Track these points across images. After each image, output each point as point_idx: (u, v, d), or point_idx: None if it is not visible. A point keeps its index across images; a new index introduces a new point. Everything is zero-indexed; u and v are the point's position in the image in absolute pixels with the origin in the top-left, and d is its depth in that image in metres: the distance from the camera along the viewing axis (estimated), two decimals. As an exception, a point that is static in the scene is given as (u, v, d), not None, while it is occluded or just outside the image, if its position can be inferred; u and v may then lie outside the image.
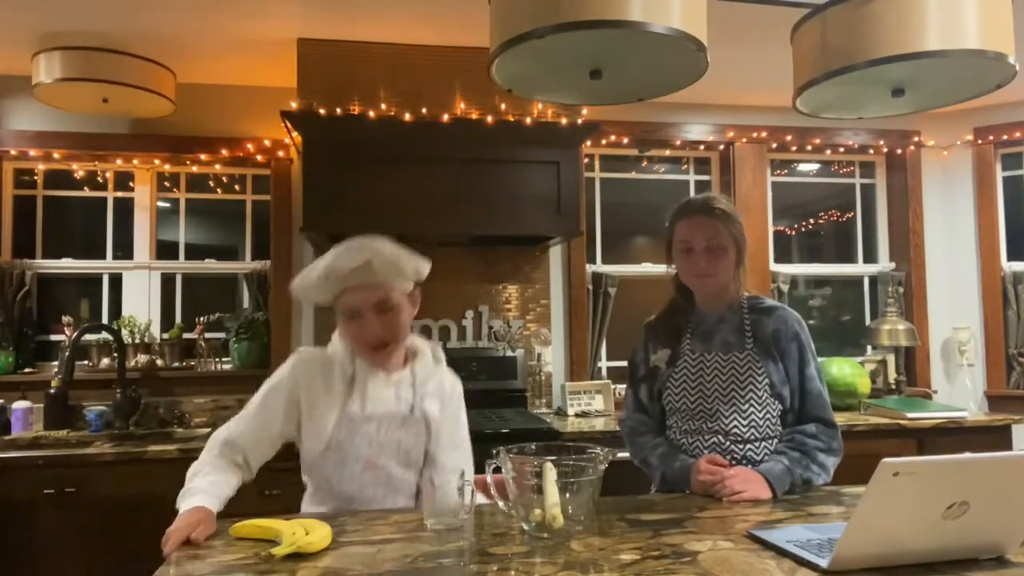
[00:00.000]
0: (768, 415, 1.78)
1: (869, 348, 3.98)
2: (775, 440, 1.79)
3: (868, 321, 4.09)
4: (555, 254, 3.67)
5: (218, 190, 3.68)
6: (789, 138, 3.92)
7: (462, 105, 3.22)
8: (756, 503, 1.62)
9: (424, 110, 3.13)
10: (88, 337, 3.34)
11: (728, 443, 1.76)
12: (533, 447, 1.51)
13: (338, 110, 3.09)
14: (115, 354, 3.23)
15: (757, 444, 1.77)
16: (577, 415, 3.33)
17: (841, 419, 3.16)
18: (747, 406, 1.77)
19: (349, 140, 3.04)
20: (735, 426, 1.76)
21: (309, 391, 1.73)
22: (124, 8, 2.76)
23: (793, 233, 4.21)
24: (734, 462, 1.74)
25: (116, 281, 3.56)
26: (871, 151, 4.10)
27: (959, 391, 3.93)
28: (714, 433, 1.78)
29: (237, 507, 1.70)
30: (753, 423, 1.77)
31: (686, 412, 1.83)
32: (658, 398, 1.90)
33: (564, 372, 3.64)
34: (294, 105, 3.11)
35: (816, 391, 1.80)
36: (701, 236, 1.83)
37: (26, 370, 3.34)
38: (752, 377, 1.77)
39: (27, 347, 3.39)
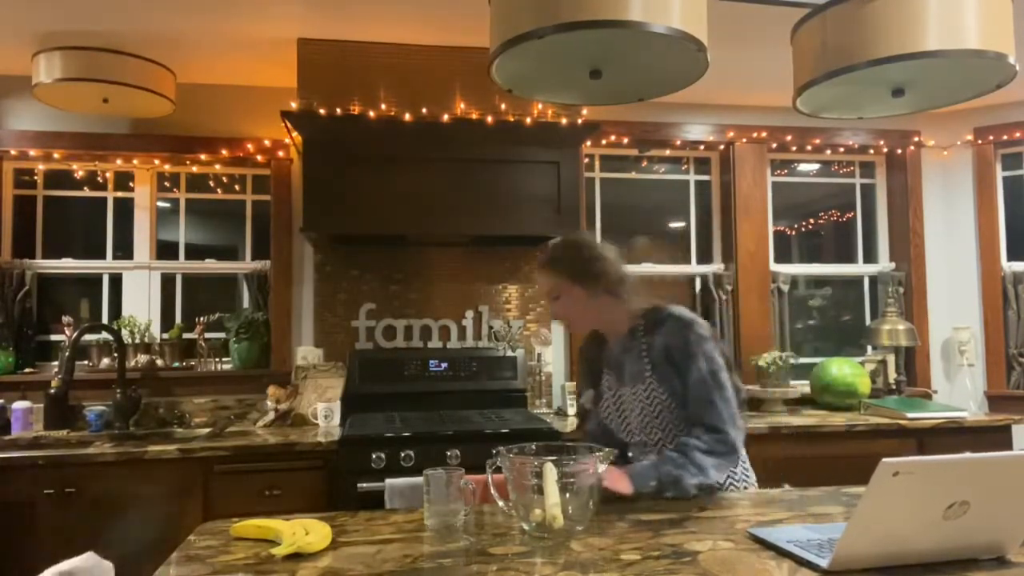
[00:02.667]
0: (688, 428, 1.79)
1: (869, 348, 3.98)
2: None
3: (868, 321, 4.09)
4: (555, 254, 3.66)
5: (218, 190, 3.68)
6: (789, 138, 3.92)
7: (462, 105, 3.22)
8: (756, 503, 1.62)
9: (424, 110, 3.13)
10: (88, 337, 3.34)
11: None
12: (533, 447, 1.51)
13: (338, 110, 3.09)
14: (115, 354, 3.23)
15: None
16: (577, 415, 3.33)
17: (841, 419, 3.19)
18: (667, 427, 1.79)
19: (349, 140, 3.04)
20: (663, 444, 1.80)
21: None
22: (124, 8, 2.76)
23: (793, 233, 4.21)
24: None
25: (116, 281, 3.56)
26: (871, 151, 4.10)
27: (959, 391, 3.93)
28: (652, 451, 1.82)
29: (237, 507, 1.70)
30: (676, 437, 1.78)
31: (619, 446, 1.84)
32: (605, 430, 1.93)
33: (564, 372, 3.63)
34: (294, 105, 3.11)
35: (697, 397, 1.74)
36: (543, 289, 1.89)
37: (26, 370, 3.34)
38: (660, 404, 1.79)
39: (27, 347, 3.39)
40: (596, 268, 1.82)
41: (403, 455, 2.67)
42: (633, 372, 1.82)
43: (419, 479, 1.53)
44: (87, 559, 1.54)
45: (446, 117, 3.09)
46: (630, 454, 1.87)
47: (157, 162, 3.54)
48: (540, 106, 3.24)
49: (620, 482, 1.63)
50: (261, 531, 1.39)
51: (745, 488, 1.85)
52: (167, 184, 3.64)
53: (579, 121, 3.20)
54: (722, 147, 3.96)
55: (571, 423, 3.15)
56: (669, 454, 1.72)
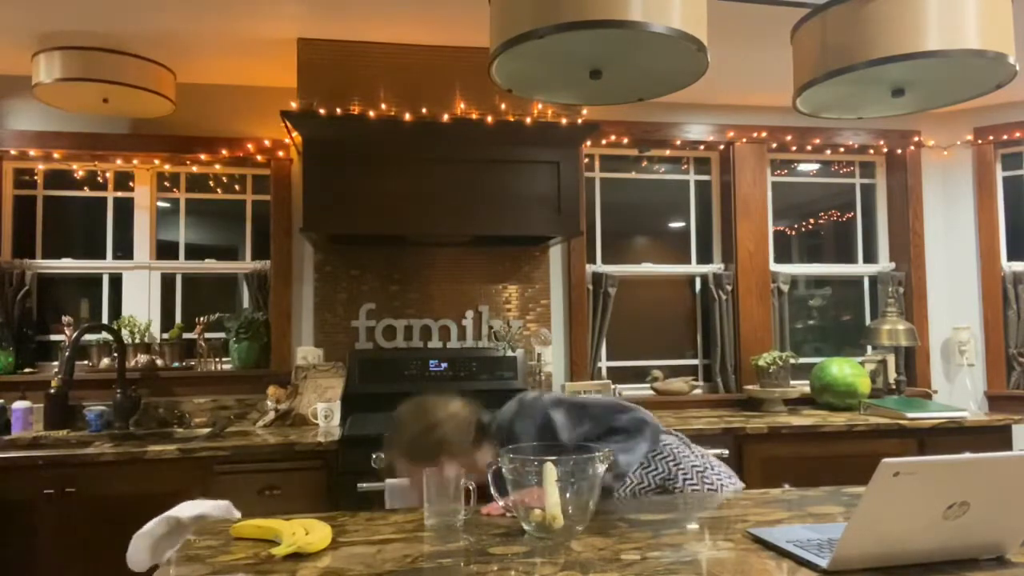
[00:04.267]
0: None
1: (869, 348, 3.98)
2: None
3: (868, 321, 4.09)
4: (555, 254, 3.67)
5: (218, 190, 3.68)
6: (789, 138, 3.92)
7: (462, 105, 3.22)
8: (756, 503, 1.62)
9: (424, 110, 3.13)
10: (88, 337, 3.34)
11: None
12: (533, 447, 1.51)
13: (338, 110, 3.09)
14: (115, 354, 3.23)
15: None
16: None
17: (841, 419, 3.20)
18: None
19: (349, 140, 3.04)
20: None
21: None
22: (124, 8, 2.76)
23: (793, 233, 4.21)
24: None
25: (116, 281, 3.56)
26: (871, 151, 4.10)
27: (959, 391, 3.93)
28: None
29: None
30: None
31: None
32: None
33: (564, 372, 3.64)
34: (294, 105, 3.11)
35: (576, 438, 1.74)
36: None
37: (26, 370, 3.34)
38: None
39: (27, 347, 3.39)
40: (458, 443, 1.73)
41: (403, 455, 2.66)
42: None
43: (419, 479, 1.53)
44: (220, 506, 1.59)
45: (446, 117, 3.09)
46: None
47: (157, 162, 3.54)
48: (540, 106, 3.24)
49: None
50: (261, 531, 1.39)
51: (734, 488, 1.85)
52: (167, 184, 3.64)
53: (579, 121, 3.20)
54: (722, 147, 3.96)
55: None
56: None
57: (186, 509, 1.61)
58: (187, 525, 1.56)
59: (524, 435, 1.73)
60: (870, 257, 4.18)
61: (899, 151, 4.05)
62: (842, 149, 4.04)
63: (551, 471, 1.35)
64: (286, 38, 3.10)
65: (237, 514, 1.66)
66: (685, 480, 1.82)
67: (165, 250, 3.62)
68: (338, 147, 3.01)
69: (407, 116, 3.06)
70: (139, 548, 1.56)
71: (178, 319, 3.58)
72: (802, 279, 4.13)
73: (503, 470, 1.41)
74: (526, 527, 1.37)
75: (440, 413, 1.72)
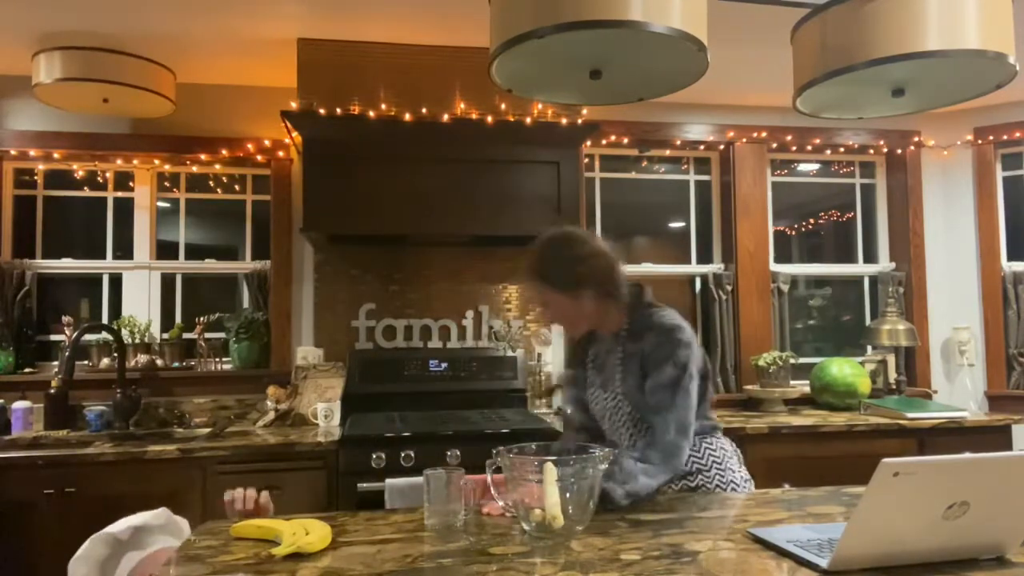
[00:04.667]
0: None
1: (869, 348, 3.98)
2: None
3: (868, 321, 4.09)
4: (555, 254, 3.66)
5: (218, 190, 3.68)
6: (789, 138, 3.92)
7: (462, 105, 3.22)
8: (757, 503, 1.62)
9: (424, 110, 3.12)
10: (88, 337, 3.34)
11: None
12: (533, 447, 1.51)
13: (338, 110, 3.09)
14: (115, 354, 3.23)
15: None
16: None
17: (841, 419, 3.19)
18: (632, 436, 1.79)
19: (349, 140, 3.04)
20: (637, 447, 1.77)
21: None
22: (124, 8, 2.76)
23: (793, 233, 4.21)
24: None
25: (116, 281, 3.56)
26: (871, 151, 4.10)
27: (959, 391, 3.93)
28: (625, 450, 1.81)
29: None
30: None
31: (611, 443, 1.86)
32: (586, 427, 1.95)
33: (564, 372, 3.64)
34: (294, 105, 3.10)
35: (654, 402, 1.69)
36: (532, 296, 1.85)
37: (26, 370, 3.34)
38: (624, 416, 1.79)
39: (27, 347, 3.39)
40: (579, 271, 1.71)
41: (403, 455, 2.67)
42: (606, 378, 1.83)
43: (419, 479, 1.53)
44: (159, 515, 1.55)
45: (446, 117, 3.09)
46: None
47: (157, 162, 3.54)
48: (540, 106, 3.23)
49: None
50: (261, 531, 1.39)
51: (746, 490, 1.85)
52: (167, 184, 3.64)
53: (579, 121, 3.20)
54: (722, 147, 3.96)
55: (571, 423, 3.15)
56: (610, 468, 1.70)
57: (121, 524, 1.58)
58: (126, 541, 1.52)
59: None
60: (870, 257, 4.18)
61: (899, 151, 4.05)
62: (842, 149, 4.04)
63: (551, 471, 1.35)
64: (286, 38, 3.10)
65: (179, 520, 1.63)
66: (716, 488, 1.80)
67: (165, 250, 3.62)
68: (338, 147, 3.01)
69: (407, 116, 3.06)
70: (78, 574, 1.52)
71: (178, 319, 3.58)
72: (802, 279, 4.13)
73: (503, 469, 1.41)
74: (526, 527, 1.37)
75: (590, 247, 1.76)
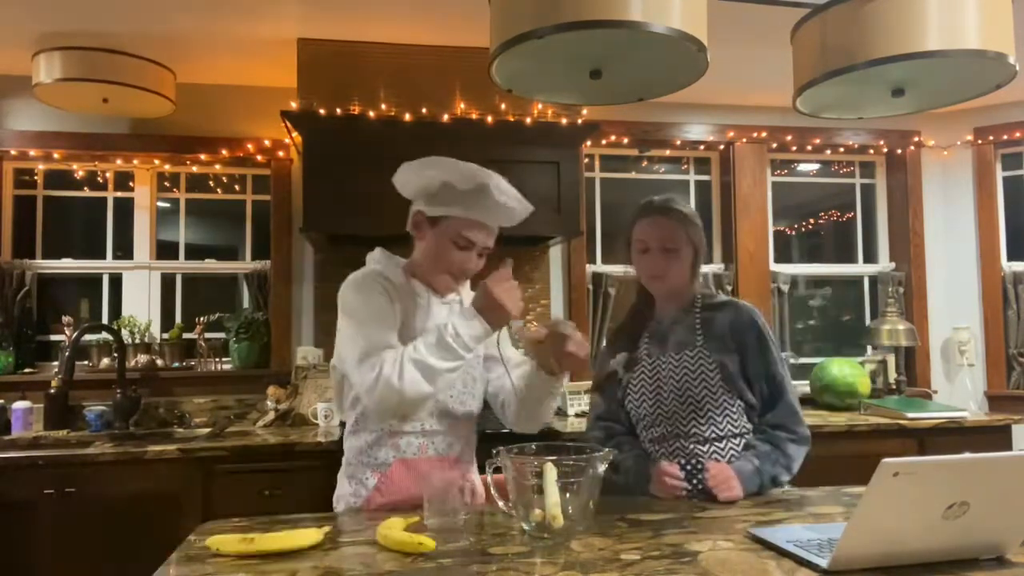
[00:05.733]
0: (727, 412, 1.76)
1: (869, 348, 3.98)
2: (740, 438, 1.76)
3: (868, 321, 4.09)
4: (555, 254, 3.67)
5: (218, 190, 3.68)
6: (789, 138, 3.92)
7: (462, 105, 3.22)
8: (756, 503, 1.62)
9: (424, 110, 3.12)
10: (88, 337, 3.34)
11: (692, 446, 1.75)
12: (533, 447, 1.51)
13: (338, 110, 3.09)
14: (115, 354, 3.23)
15: (721, 443, 1.75)
16: (577, 415, 3.32)
17: (841, 419, 3.19)
18: (704, 404, 1.75)
19: (349, 140, 3.04)
20: (695, 428, 1.75)
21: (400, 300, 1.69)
22: (124, 8, 2.76)
23: (793, 233, 4.21)
24: (700, 464, 1.72)
25: (116, 281, 3.56)
26: (871, 151, 4.10)
27: (959, 391, 3.93)
28: (677, 438, 1.76)
29: (237, 507, 1.70)
30: (712, 422, 1.75)
31: (648, 419, 1.81)
32: (622, 405, 1.89)
33: (564, 372, 3.63)
34: (294, 105, 3.10)
35: (780, 378, 1.78)
36: (656, 237, 1.81)
37: (26, 370, 3.34)
38: (704, 374, 1.76)
39: (27, 347, 3.39)
40: (703, 240, 1.86)
41: (403, 455, 2.66)
42: (680, 341, 1.80)
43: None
44: None
45: (446, 117, 3.09)
46: (645, 443, 1.83)
47: (157, 162, 3.54)
48: (540, 106, 3.23)
49: (732, 488, 1.64)
50: (245, 543, 1.30)
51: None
52: (167, 184, 3.64)
53: (579, 121, 3.20)
54: (722, 147, 3.96)
55: (571, 423, 3.15)
56: (762, 448, 1.72)
57: None
58: None
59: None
60: (870, 257, 4.18)
61: (899, 151, 4.05)
62: (842, 149, 4.04)
63: (551, 471, 1.35)
64: (286, 38, 3.10)
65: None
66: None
67: (165, 250, 3.62)
68: (338, 147, 3.01)
69: (407, 116, 3.06)
70: None
71: (178, 319, 3.58)
72: (802, 279, 4.13)
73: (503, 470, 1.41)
74: (526, 527, 1.37)
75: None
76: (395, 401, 1.50)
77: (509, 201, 1.66)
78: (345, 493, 1.74)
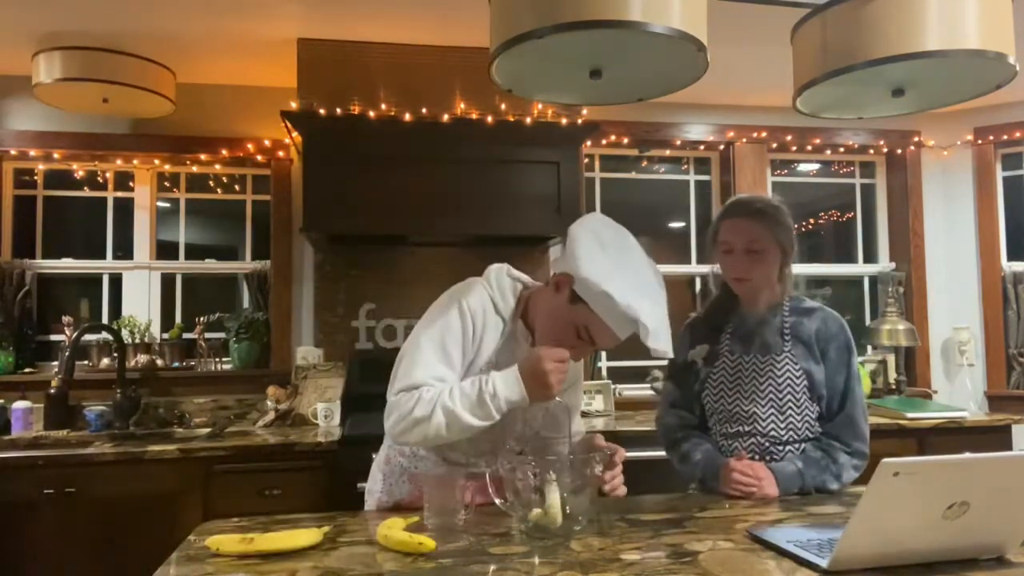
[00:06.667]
0: (806, 417, 1.76)
1: (869, 348, 3.98)
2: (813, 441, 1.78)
3: (868, 321, 4.09)
4: (555, 254, 3.67)
5: (218, 190, 3.68)
6: (789, 138, 3.92)
7: (462, 105, 3.22)
8: (756, 503, 1.62)
9: (424, 110, 3.12)
10: (88, 337, 3.34)
11: (767, 444, 1.75)
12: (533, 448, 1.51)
13: (338, 110, 3.09)
14: (115, 354, 3.23)
15: (796, 446, 1.75)
16: (583, 415, 3.32)
17: (841, 419, 3.19)
18: (785, 408, 1.75)
19: (349, 140, 3.04)
20: (773, 428, 1.75)
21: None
22: (124, 8, 2.76)
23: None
24: (773, 462, 1.73)
25: (116, 281, 3.56)
26: (871, 151, 4.10)
27: (959, 391, 3.93)
28: (752, 436, 1.76)
29: (237, 507, 1.70)
30: (791, 425, 1.75)
31: (724, 414, 1.81)
32: (697, 396, 1.88)
33: (564, 372, 3.63)
34: (294, 105, 3.10)
35: (855, 393, 1.77)
36: (740, 238, 1.81)
37: (26, 370, 3.34)
38: (790, 379, 1.76)
39: (27, 347, 3.39)
40: (793, 240, 1.85)
41: (403, 455, 2.66)
42: (767, 343, 1.79)
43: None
44: None
45: (446, 117, 3.09)
46: (719, 438, 1.82)
47: (157, 162, 3.54)
48: (540, 106, 3.23)
49: (770, 488, 1.65)
50: (244, 543, 1.30)
51: None
52: (167, 184, 3.64)
53: (579, 121, 3.20)
54: (722, 147, 3.96)
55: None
56: (812, 454, 1.72)
57: None
58: None
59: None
60: (870, 257, 4.18)
61: (899, 151, 4.05)
62: (842, 149, 4.04)
63: (551, 472, 1.35)
64: (286, 38, 3.10)
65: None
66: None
67: (165, 250, 3.62)
68: (338, 147, 3.01)
69: (407, 116, 3.06)
70: None
71: (178, 319, 3.58)
72: (802, 279, 4.13)
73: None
74: (525, 527, 1.37)
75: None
76: (413, 440, 1.52)
77: (658, 346, 1.46)
78: (376, 489, 1.73)
